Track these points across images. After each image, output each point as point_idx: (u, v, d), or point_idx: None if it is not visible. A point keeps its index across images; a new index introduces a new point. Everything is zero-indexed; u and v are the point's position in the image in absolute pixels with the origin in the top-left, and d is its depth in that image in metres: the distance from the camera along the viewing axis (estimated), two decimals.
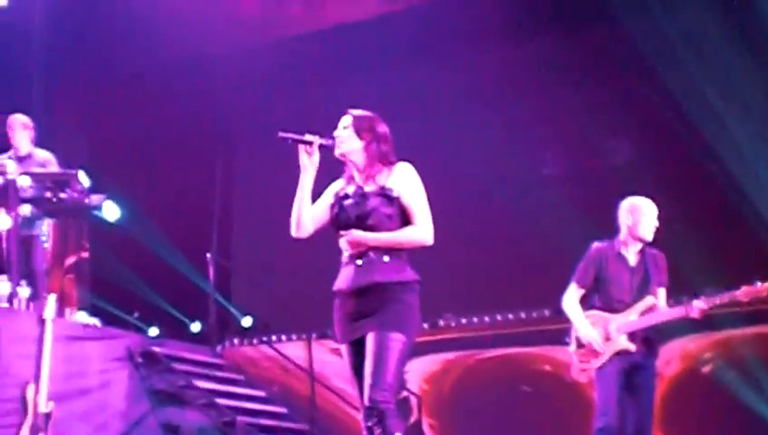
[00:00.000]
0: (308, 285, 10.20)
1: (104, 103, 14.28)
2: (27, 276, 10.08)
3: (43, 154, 10.47)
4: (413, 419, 11.82)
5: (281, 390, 12.57)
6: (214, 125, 14.79)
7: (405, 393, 11.75)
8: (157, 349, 11.05)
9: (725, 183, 11.04)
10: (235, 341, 13.56)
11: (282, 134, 5.60)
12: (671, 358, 11.14)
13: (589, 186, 12.16)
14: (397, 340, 5.32)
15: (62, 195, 10.20)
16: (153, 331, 12.89)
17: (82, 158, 10.72)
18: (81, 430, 9.64)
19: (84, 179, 10.39)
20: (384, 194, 5.50)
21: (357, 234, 5.44)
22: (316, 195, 5.70)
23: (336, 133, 5.66)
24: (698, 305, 7.54)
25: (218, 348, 12.74)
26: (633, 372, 7.59)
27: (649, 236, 7.81)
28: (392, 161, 5.61)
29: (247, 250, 14.59)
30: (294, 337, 13.18)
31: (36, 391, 8.69)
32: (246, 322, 13.62)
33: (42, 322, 8.93)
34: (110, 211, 11.50)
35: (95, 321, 11.26)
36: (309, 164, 5.61)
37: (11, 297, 9.68)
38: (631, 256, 7.81)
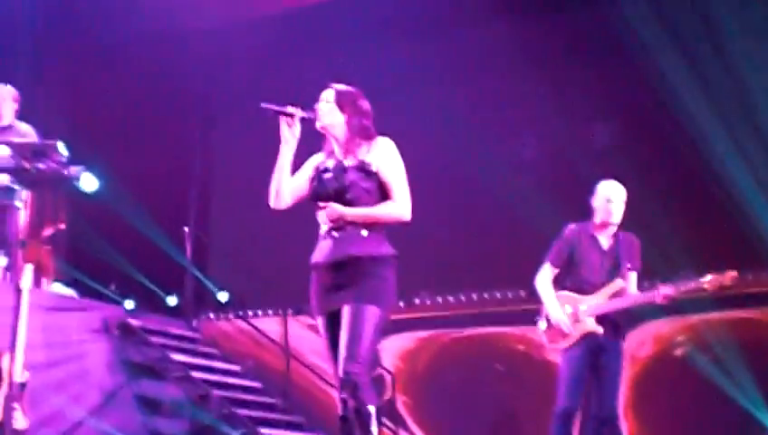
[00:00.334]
0: (285, 260, 10.23)
1: (85, 75, 14.21)
2: (2, 246, 10.07)
3: (23, 127, 10.44)
4: (387, 396, 11.86)
5: (256, 364, 12.60)
6: (194, 99, 14.75)
7: (379, 371, 11.79)
8: (133, 321, 11.07)
9: (705, 168, 11.09)
10: (211, 315, 13.56)
11: (264, 105, 5.63)
12: (644, 340, 11.20)
13: (567, 169, 12.17)
14: (372, 313, 5.36)
15: (41, 165, 10.17)
16: (129, 303, 12.89)
17: (62, 129, 10.66)
18: (57, 400, 9.64)
19: (63, 150, 10.37)
20: (363, 168, 5.54)
21: (335, 207, 5.47)
22: (295, 168, 5.73)
23: (318, 106, 5.69)
24: (664, 292, 7.60)
25: (194, 322, 12.78)
26: (599, 353, 7.66)
27: (616, 220, 7.87)
28: (372, 136, 5.65)
29: (225, 225, 14.58)
30: (270, 312, 13.20)
31: (12, 361, 8.68)
32: (223, 296, 13.63)
33: (18, 291, 8.92)
34: (89, 183, 11.46)
35: (72, 292, 11.26)
36: (290, 136, 5.64)
37: None
38: (604, 239, 7.87)
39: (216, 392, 10.86)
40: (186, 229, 12.45)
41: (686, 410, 10.77)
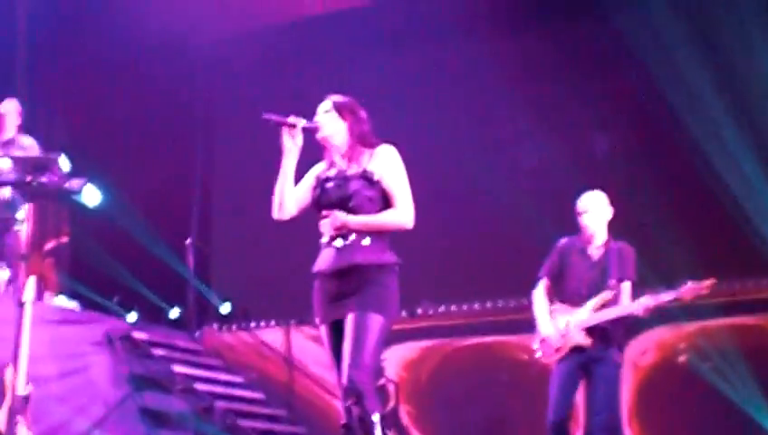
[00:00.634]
0: (287, 271, 10.24)
1: (85, 88, 14.22)
2: (4, 259, 10.09)
3: (26, 140, 10.46)
4: (390, 406, 11.86)
5: (259, 375, 12.59)
6: (194, 110, 14.78)
7: (383, 380, 11.79)
8: (136, 334, 11.08)
9: (705, 176, 11.10)
10: (214, 326, 13.55)
11: (266, 115, 5.64)
12: (647, 348, 11.20)
13: (567, 178, 12.18)
14: (376, 321, 5.37)
15: (43, 179, 10.20)
16: (132, 316, 12.89)
17: (63, 142, 10.70)
18: (60, 413, 9.64)
19: (65, 164, 10.39)
20: (366, 177, 5.55)
21: (338, 215, 5.48)
22: (296, 179, 5.74)
23: (317, 118, 5.70)
24: (645, 303, 7.58)
25: (197, 333, 12.78)
26: (591, 365, 7.62)
27: (593, 231, 7.86)
28: (374, 144, 5.67)
29: (227, 236, 14.58)
30: (273, 323, 13.20)
31: (15, 374, 8.69)
32: (225, 308, 13.62)
33: (21, 304, 8.93)
34: (91, 196, 11.47)
35: (74, 305, 11.27)
36: (292, 146, 5.65)
37: None
38: (594, 250, 7.87)
39: (220, 404, 10.87)
40: (188, 241, 12.45)
41: (690, 417, 10.77)
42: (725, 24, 11.30)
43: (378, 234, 5.51)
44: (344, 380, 5.33)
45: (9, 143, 10.34)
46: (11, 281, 9.87)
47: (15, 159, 10.12)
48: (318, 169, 5.77)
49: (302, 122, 5.66)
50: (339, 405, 5.43)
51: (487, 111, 12.69)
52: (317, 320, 5.66)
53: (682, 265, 10.85)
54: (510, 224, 11.92)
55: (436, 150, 12.26)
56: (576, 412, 7.86)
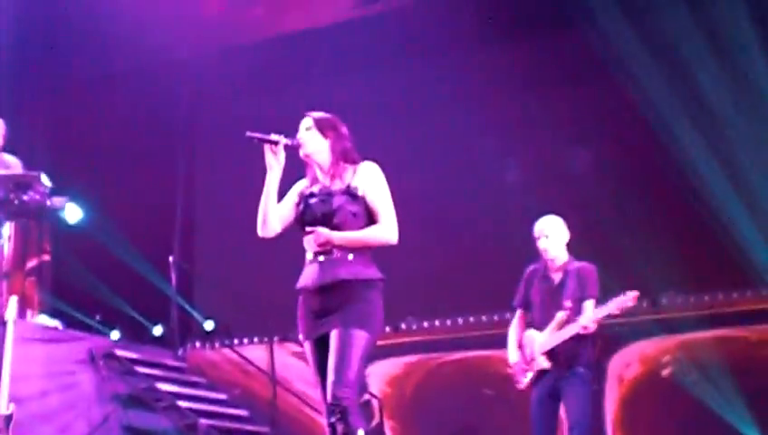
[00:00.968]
0: (270, 288, 10.23)
1: (67, 106, 14.23)
2: None
3: (9, 158, 10.43)
4: (375, 422, 11.83)
5: (242, 392, 12.57)
6: (176, 127, 14.77)
7: (367, 396, 11.77)
8: (119, 352, 11.02)
9: (687, 189, 11.13)
10: (197, 344, 13.53)
11: (249, 133, 5.65)
12: (630, 361, 11.22)
13: (551, 192, 12.22)
14: (360, 337, 5.37)
15: (24, 197, 10.17)
16: (115, 334, 12.85)
17: (45, 161, 10.67)
18: (43, 432, 9.57)
19: (46, 182, 10.36)
20: (349, 193, 5.56)
21: (322, 231, 5.48)
22: (279, 195, 5.74)
23: (299, 135, 5.71)
24: (582, 322, 7.62)
25: (180, 351, 12.72)
26: (560, 386, 7.70)
27: (551, 255, 7.91)
28: (356, 159, 5.67)
29: (209, 253, 14.56)
30: (256, 340, 13.19)
31: None
32: (208, 325, 13.59)
33: (2, 323, 8.89)
34: (72, 214, 11.45)
35: (57, 323, 11.21)
36: (275, 163, 5.66)
37: None
38: (554, 273, 7.92)
39: (204, 421, 10.80)
40: (170, 259, 12.41)
41: (675, 430, 10.79)
42: (706, 37, 11.34)
43: (361, 249, 5.52)
44: (329, 396, 5.32)
45: None
46: None
47: None
48: (301, 186, 5.77)
49: (283, 140, 5.66)
50: (323, 422, 5.42)
51: (469, 127, 12.68)
52: (301, 336, 5.65)
53: (665, 279, 10.91)
54: (493, 239, 11.94)
55: (418, 166, 12.28)
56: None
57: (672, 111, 11.33)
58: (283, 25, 13.66)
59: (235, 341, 13.33)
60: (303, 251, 5.65)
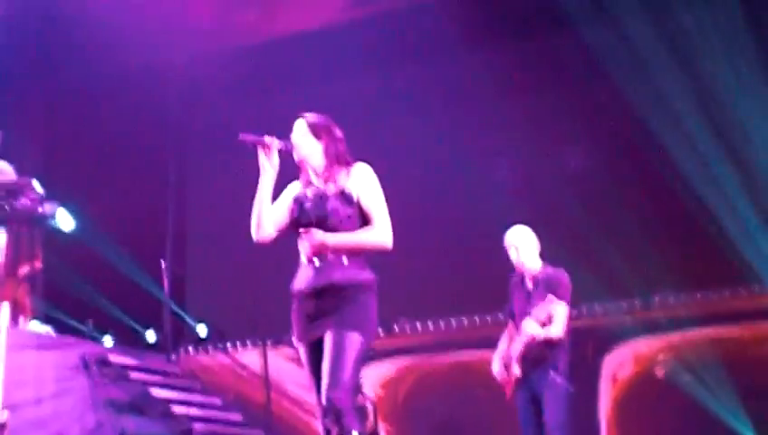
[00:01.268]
0: (263, 292, 10.23)
1: (58, 111, 14.22)
2: None
3: (1, 164, 10.41)
4: (369, 424, 11.83)
5: (236, 397, 12.56)
6: (168, 132, 14.76)
7: (361, 399, 11.76)
8: (112, 358, 11.01)
9: (680, 188, 11.15)
10: (191, 349, 13.52)
11: (242, 136, 5.63)
12: (624, 361, 11.23)
13: (541, 193, 12.24)
14: (355, 340, 5.36)
15: (16, 203, 10.16)
16: (108, 340, 12.83)
17: (37, 167, 10.66)
18: None
19: (38, 188, 10.35)
20: (344, 195, 5.54)
21: (317, 234, 5.47)
22: (273, 198, 5.71)
23: (292, 138, 5.69)
24: (527, 329, 7.64)
25: (173, 356, 12.70)
26: (536, 391, 7.77)
27: (527, 266, 7.97)
28: (350, 162, 5.66)
29: (202, 258, 14.55)
30: (250, 344, 13.18)
31: None
32: (201, 330, 13.59)
33: None
34: (64, 220, 11.43)
35: (49, 330, 11.19)
36: (269, 166, 5.64)
37: None
38: (529, 281, 7.96)
39: (198, 426, 10.79)
40: (162, 264, 12.40)
41: (669, 428, 10.79)
42: (700, 38, 11.37)
43: (355, 252, 5.50)
44: (323, 399, 5.31)
45: None
46: None
47: None
48: (294, 189, 5.75)
49: (276, 142, 5.64)
50: (317, 425, 5.42)
51: (460, 128, 12.70)
52: (295, 339, 5.63)
53: (657, 279, 10.92)
54: (485, 240, 11.93)
55: (410, 167, 12.28)
56: None
57: (664, 110, 11.34)
58: (274, 29, 13.65)
59: (229, 345, 13.32)
60: (297, 255, 5.64)
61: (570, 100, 12.40)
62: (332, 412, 5.27)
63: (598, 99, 12.11)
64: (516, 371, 7.82)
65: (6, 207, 10.11)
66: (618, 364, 11.22)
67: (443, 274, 12.44)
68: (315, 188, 5.65)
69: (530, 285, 7.96)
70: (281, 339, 12.00)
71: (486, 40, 12.53)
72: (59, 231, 11.46)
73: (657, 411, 10.91)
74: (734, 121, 11.23)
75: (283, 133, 5.78)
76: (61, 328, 11.74)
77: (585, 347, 11.39)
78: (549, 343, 7.68)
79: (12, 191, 10.13)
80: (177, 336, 13.37)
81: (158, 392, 11.04)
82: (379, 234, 5.53)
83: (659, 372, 11.13)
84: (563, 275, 7.87)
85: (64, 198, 11.00)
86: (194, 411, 11.19)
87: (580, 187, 11.99)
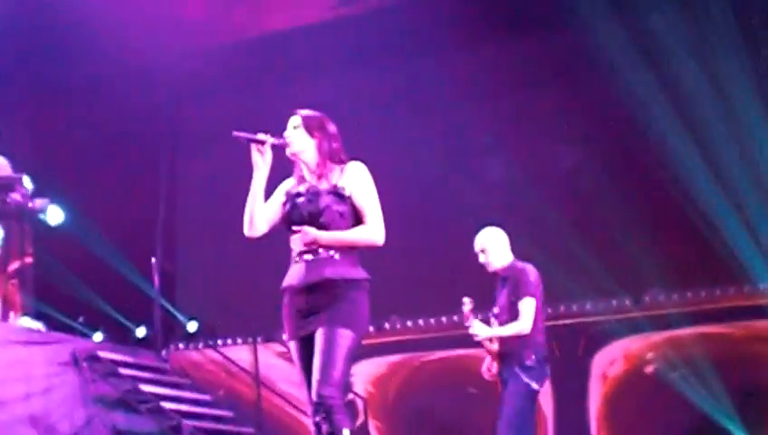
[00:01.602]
0: (253, 288, 10.24)
1: (48, 107, 14.20)
2: None
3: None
4: (359, 421, 11.84)
5: (227, 393, 12.56)
6: (158, 129, 14.75)
7: (351, 396, 11.77)
8: (102, 353, 10.99)
9: (672, 187, 11.17)
10: (181, 345, 13.52)
11: (235, 133, 5.61)
12: (614, 358, 11.26)
13: (533, 192, 12.25)
14: (345, 336, 5.35)
15: (6, 199, 10.14)
16: (98, 336, 12.82)
17: (27, 162, 10.64)
18: (26, 434, 9.57)
19: (28, 184, 10.33)
20: (337, 192, 5.52)
21: (309, 231, 5.46)
22: (266, 195, 5.71)
23: (286, 134, 5.68)
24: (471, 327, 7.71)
25: (164, 352, 12.70)
26: (503, 387, 7.78)
27: (492, 267, 7.97)
28: (343, 159, 5.65)
29: (192, 254, 14.55)
30: (240, 341, 13.18)
31: None
32: (192, 326, 13.59)
33: None
34: (54, 215, 11.41)
35: (39, 325, 11.18)
36: (262, 163, 5.62)
37: None
38: (501, 278, 7.96)
39: (188, 423, 10.78)
40: (153, 260, 12.39)
41: (659, 426, 10.82)
42: (693, 37, 11.38)
43: (347, 249, 5.49)
44: (314, 395, 5.30)
45: None
46: None
47: None
48: (287, 185, 5.74)
49: (270, 139, 5.63)
50: (308, 422, 5.41)
51: (452, 126, 12.72)
52: (286, 336, 5.62)
53: (648, 277, 10.94)
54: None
55: (402, 165, 12.28)
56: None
57: (657, 110, 11.36)
58: (265, 26, 13.65)
59: (219, 342, 13.33)
60: (288, 251, 5.63)
61: (562, 98, 12.42)
62: (323, 409, 5.26)
63: (591, 97, 12.12)
64: (493, 368, 7.82)
65: None
66: (608, 362, 11.25)
67: (434, 271, 12.44)
68: (308, 184, 5.63)
69: (501, 283, 7.96)
70: (271, 336, 12.01)
71: (477, 38, 12.54)
72: (49, 227, 11.45)
73: (646, 409, 10.94)
74: (728, 120, 11.24)
75: (276, 129, 5.77)
76: (51, 324, 11.73)
77: (576, 345, 11.42)
78: (515, 340, 7.68)
79: (2, 186, 10.12)
80: (168, 333, 13.36)
81: (148, 388, 11.04)
82: (372, 231, 5.52)
83: (649, 370, 11.16)
84: (528, 271, 7.84)
85: (54, 193, 10.99)
86: (184, 408, 11.19)
87: (572, 185, 12.01)
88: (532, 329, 7.65)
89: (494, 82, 12.47)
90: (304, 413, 5.43)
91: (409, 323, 12.35)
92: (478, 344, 7.99)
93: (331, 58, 12.89)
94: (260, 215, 5.63)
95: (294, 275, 5.54)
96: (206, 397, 12.03)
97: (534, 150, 12.56)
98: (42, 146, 13.73)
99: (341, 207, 5.51)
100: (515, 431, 7.58)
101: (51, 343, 10.54)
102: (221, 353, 13.01)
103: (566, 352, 11.45)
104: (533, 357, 7.66)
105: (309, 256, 5.49)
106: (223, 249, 11.82)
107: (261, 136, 5.63)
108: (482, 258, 8.01)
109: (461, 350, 11.90)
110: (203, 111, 14.33)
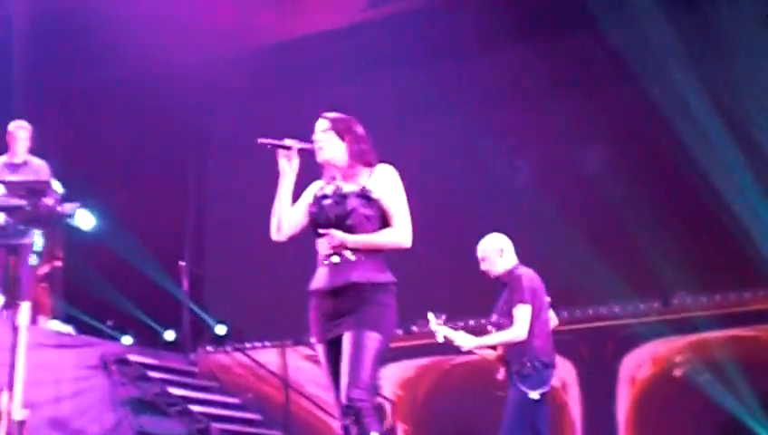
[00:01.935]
0: (282, 291, 10.24)
1: (79, 111, 14.27)
2: (12, 285, 10.12)
3: (37, 162, 10.48)
4: (387, 425, 11.84)
5: (255, 397, 12.58)
6: (187, 133, 14.81)
7: (379, 399, 11.77)
8: (131, 357, 11.06)
9: (700, 189, 11.12)
10: (209, 348, 13.55)
11: (261, 140, 5.60)
12: (642, 362, 11.22)
13: (563, 194, 12.23)
14: (373, 339, 5.34)
15: (36, 203, 10.21)
16: (127, 339, 12.88)
17: (57, 167, 10.71)
18: None
19: (58, 188, 10.40)
20: (364, 195, 5.50)
21: (336, 234, 5.46)
22: (295, 198, 5.70)
23: (315, 138, 5.66)
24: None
25: (192, 356, 12.75)
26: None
27: (495, 271, 7.95)
28: (372, 162, 5.63)
29: (220, 258, 14.58)
30: (268, 344, 13.20)
31: (10, 399, 8.66)
32: (220, 329, 13.63)
33: (15, 329, 8.91)
34: (84, 220, 11.48)
35: (69, 329, 11.25)
36: (288, 169, 5.62)
37: None
38: (502, 285, 7.95)
39: (216, 426, 10.83)
40: (181, 263, 12.44)
41: (688, 430, 10.78)
42: (719, 37, 11.34)
43: (374, 252, 5.48)
44: (343, 398, 5.30)
45: (21, 166, 10.37)
46: (6, 306, 9.86)
47: (8, 185, 10.13)
48: (315, 188, 5.73)
49: (297, 144, 5.62)
50: (336, 425, 5.41)
51: (480, 128, 12.69)
52: (313, 339, 5.63)
53: (677, 280, 10.90)
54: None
55: (431, 169, 12.27)
56: None
57: (684, 110, 11.32)
58: (293, 30, 13.67)
59: (247, 345, 13.35)
60: (315, 254, 5.62)
61: (590, 101, 12.39)
62: (352, 412, 5.26)
63: (618, 99, 12.10)
64: (500, 373, 7.84)
65: (27, 207, 10.17)
66: (636, 365, 11.21)
67: (462, 274, 12.41)
68: (335, 186, 5.63)
69: (501, 290, 7.96)
70: (299, 338, 12.01)
71: (502, 41, 12.53)
72: (79, 231, 11.52)
73: (675, 412, 10.90)
74: (756, 122, 11.20)
75: (303, 134, 5.76)
76: (80, 327, 11.80)
77: (604, 348, 11.39)
78: (511, 348, 7.67)
79: (33, 191, 10.18)
80: (196, 336, 13.40)
81: (176, 391, 11.09)
82: (398, 234, 5.51)
83: (678, 373, 11.12)
84: (522, 277, 7.78)
85: (83, 197, 11.05)
86: (212, 411, 11.24)
87: (600, 188, 11.97)
88: (529, 335, 7.59)
89: (520, 84, 12.44)
90: (332, 416, 5.44)
91: None
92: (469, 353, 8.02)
93: (359, 62, 12.91)
94: (287, 220, 5.63)
95: (321, 278, 5.54)
96: (235, 400, 12.08)
97: (561, 153, 12.53)
98: (71, 150, 13.79)
99: (368, 210, 5.50)
100: None
101: (80, 346, 10.61)
102: (249, 356, 13.04)
103: (594, 355, 11.44)
104: (529, 364, 7.60)
105: (335, 259, 5.48)
106: (251, 252, 11.82)
107: (287, 141, 5.62)
108: (483, 266, 7.99)
109: (489, 353, 11.89)
110: (232, 115, 14.37)
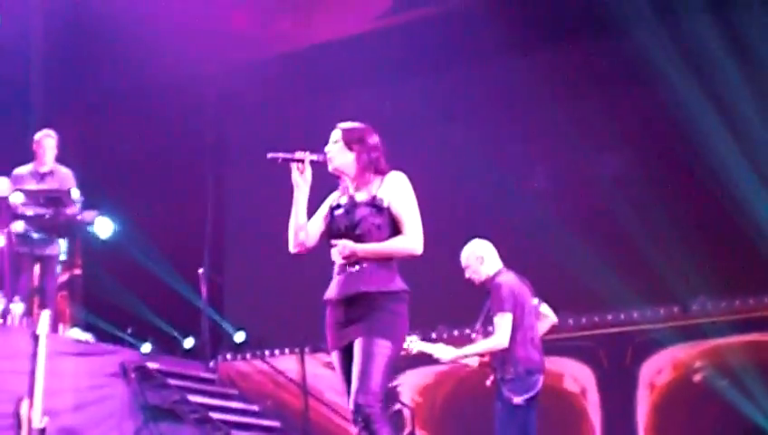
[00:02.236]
0: (300, 298, 10.23)
1: (98, 119, 14.33)
2: (33, 294, 10.18)
3: (63, 170, 10.55)
4: (407, 431, 11.83)
5: (274, 404, 12.59)
6: (206, 141, 14.84)
7: (398, 406, 11.77)
8: (150, 364, 11.07)
9: (719, 194, 11.10)
10: (228, 356, 13.57)
11: (271, 155, 5.60)
12: (662, 367, 11.19)
13: (578, 199, 12.22)
14: (383, 346, 5.36)
15: (57, 211, 10.26)
16: (146, 347, 12.90)
17: (76, 175, 10.76)
18: None
19: (77, 196, 10.44)
20: (374, 204, 5.51)
21: (346, 244, 5.47)
22: (311, 210, 5.72)
23: (327, 148, 5.68)
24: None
25: (211, 363, 12.76)
26: None
27: (479, 279, 7.93)
28: (383, 170, 5.64)
29: (239, 265, 14.60)
30: (287, 351, 13.22)
31: (30, 407, 8.70)
32: (239, 337, 13.64)
33: (35, 338, 8.95)
34: (103, 227, 11.51)
35: (88, 337, 11.28)
36: (302, 181, 5.63)
37: (4, 314, 9.72)
38: (486, 292, 7.93)
39: (235, 433, 10.84)
40: (200, 271, 12.46)
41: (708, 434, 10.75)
42: (737, 43, 11.30)
43: (385, 261, 5.49)
44: (351, 404, 5.33)
45: (48, 175, 10.44)
46: (26, 314, 9.90)
47: (28, 193, 10.18)
48: (332, 198, 5.75)
49: (309, 156, 5.63)
50: (354, 431, 5.42)
51: (497, 134, 12.70)
52: (328, 347, 5.66)
53: (696, 285, 10.87)
54: (520, 246, 11.92)
55: (446, 175, 12.29)
56: None
57: (701, 116, 11.29)
58: (309, 37, 13.70)
59: (266, 352, 13.36)
60: (333, 262, 5.65)
61: (607, 105, 12.36)
62: (360, 418, 5.29)
63: (636, 104, 12.08)
64: (489, 380, 7.83)
65: (46, 215, 10.21)
66: (656, 371, 11.19)
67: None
68: (348, 196, 5.64)
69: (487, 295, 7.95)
70: (318, 345, 12.02)
71: (520, 47, 12.52)
72: (98, 238, 11.55)
73: (695, 418, 10.86)
74: None
75: (319, 141, 5.77)
76: (100, 335, 11.83)
77: (623, 354, 11.37)
78: (496, 356, 7.66)
79: (51, 199, 10.23)
80: (216, 343, 13.42)
81: (196, 399, 11.10)
82: (409, 241, 5.51)
83: (697, 379, 11.09)
84: (500, 285, 7.75)
85: (103, 205, 11.09)
86: (232, 418, 11.25)
87: (618, 193, 11.94)
88: (511, 343, 7.57)
89: (538, 89, 12.42)
90: (351, 422, 5.43)
91: (456, 333, 12.30)
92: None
93: (376, 68, 12.92)
94: (303, 233, 5.64)
95: (333, 287, 5.57)
96: (254, 407, 12.08)
97: (580, 158, 12.50)
98: (91, 158, 13.84)
99: (378, 219, 5.51)
100: None
101: (100, 354, 10.64)
102: (268, 364, 13.05)
103: (614, 361, 11.42)
104: (512, 370, 7.60)
105: (349, 269, 5.50)
106: (270, 260, 11.83)
107: (298, 154, 5.62)
108: (467, 274, 7.98)
109: None
110: (251, 122, 14.39)
